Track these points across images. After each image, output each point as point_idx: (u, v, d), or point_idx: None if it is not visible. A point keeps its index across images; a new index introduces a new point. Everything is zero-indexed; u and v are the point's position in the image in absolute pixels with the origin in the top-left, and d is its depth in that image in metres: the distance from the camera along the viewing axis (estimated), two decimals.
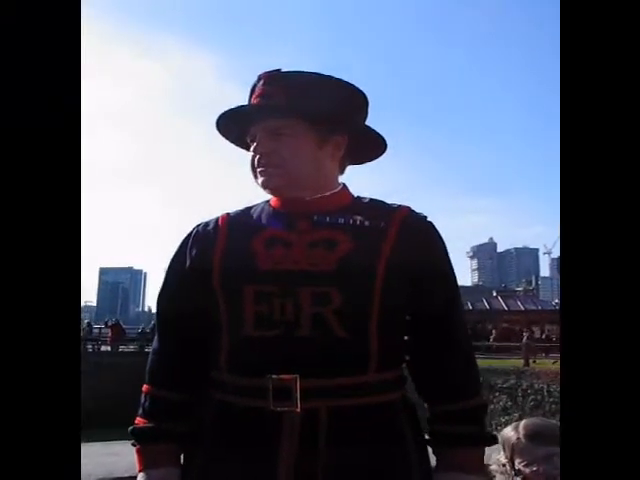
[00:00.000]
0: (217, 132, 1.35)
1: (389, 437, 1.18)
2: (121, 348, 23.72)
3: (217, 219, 1.33)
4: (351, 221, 1.26)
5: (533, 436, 1.64)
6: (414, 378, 1.29)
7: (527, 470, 1.62)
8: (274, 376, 1.13)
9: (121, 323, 26.46)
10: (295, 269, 1.18)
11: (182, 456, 1.24)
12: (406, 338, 1.29)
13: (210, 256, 1.24)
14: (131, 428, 1.25)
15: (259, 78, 1.28)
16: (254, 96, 1.27)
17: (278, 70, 1.27)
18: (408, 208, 1.31)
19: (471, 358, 1.32)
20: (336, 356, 1.15)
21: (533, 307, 32.10)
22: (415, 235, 1.26)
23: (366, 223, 1.26)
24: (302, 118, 1.24)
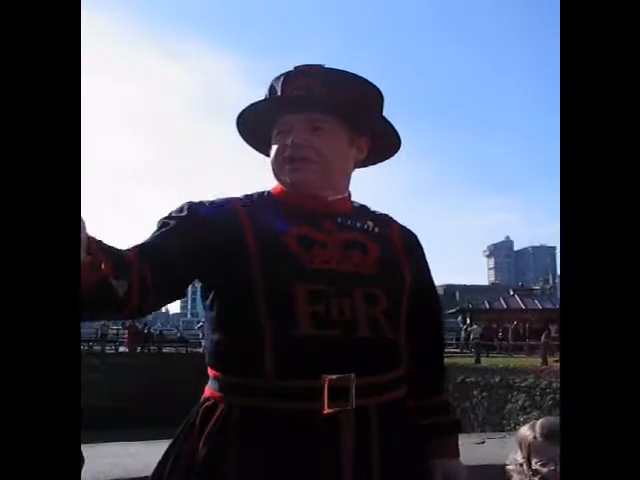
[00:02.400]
0: (237, 131, 1.32)
1: (413, 428, 1.25)
2: (139, 349, 23.83)
3: (229, 202, 1.25)
4: (366, 226, 1.29)
5: (550, 435, 1.63)
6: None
7: (544, 469, 1.61)
8: (331, 376, 1.10)
9: (137, 324, 26.62)
10: (343, 269, 1.18)
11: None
12: None
13: (241, 243, 1.16)
14: None
15: (298, 70, 1.26)
16: (292, 87, 1.25)
17: (321, 65, 1.26)
18: (390, 216, 1.38)
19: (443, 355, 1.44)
20: (384, 354, 1.19)
21: (551, 306, 31.78)
22: (410, 243, 1.35)
23: (376, 229, 1.30)
24: (339, 115, 1.24)
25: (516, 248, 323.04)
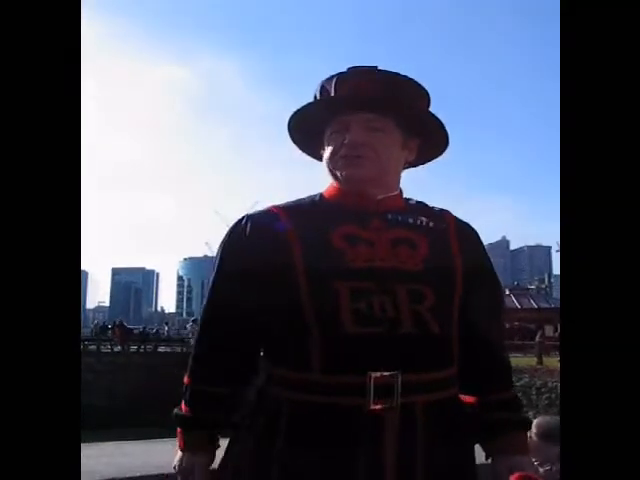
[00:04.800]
0: (287, 132, 1.35)
1: (461, 429, 1.23)
2: (134, 348, 23.85)
3: (270, 211, 1.30)
4: (419, 222, 1.30)
5: (546, 435, 1.63)
6: (464, 372, 1.29)
7: (540, 469, 1.61)
8: (376, 374, 1.12)
9: (125, 324, 26.61)
10: (386, 266, 1.20)
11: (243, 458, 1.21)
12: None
13: (287, 251, 1.21)
14: (174, 412, 1.26)
15: (351, 71, 1.29)
16: (345, 87, 1.28)
17: (375, 67, 1.30)
18: (449, 212, 1.38)
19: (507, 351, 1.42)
20: (432, 352, 1.19)
21: (546, 305, 31.85)
22: (468, 238, 1.35)
23: (431, 224, 1.31)
24: (393, 117, 1.27)
25: (512, 247, 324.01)
